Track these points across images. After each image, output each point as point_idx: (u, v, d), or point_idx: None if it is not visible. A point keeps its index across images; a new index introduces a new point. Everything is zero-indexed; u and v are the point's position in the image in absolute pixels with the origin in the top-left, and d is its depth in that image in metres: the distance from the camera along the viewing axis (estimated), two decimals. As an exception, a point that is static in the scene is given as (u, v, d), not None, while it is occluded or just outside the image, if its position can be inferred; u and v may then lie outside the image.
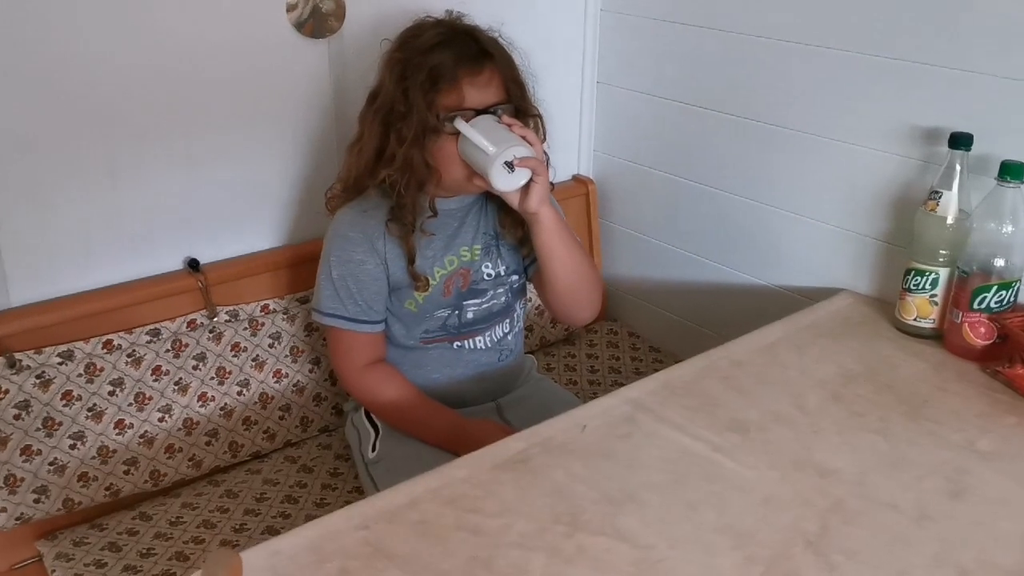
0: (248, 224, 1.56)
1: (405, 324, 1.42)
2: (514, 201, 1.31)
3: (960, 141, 1.33)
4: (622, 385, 1.80)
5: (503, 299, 1.46)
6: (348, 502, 1.43)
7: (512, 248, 1.45)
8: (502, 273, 1.45)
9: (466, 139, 1.26)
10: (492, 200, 1.42)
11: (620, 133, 1.93)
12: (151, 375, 1.42)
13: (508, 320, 1.49)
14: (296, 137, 1.57)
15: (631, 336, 1.96)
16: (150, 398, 1.42)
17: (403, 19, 1.36)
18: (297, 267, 1.57)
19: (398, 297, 1.40)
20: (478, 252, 1.42)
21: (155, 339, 1.43)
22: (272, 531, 1.37)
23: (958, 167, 1.33)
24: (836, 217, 1.58)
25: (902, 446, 1.15)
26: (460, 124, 1.26)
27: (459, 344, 1.45)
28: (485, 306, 1.44)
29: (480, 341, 1.46)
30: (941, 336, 1.40)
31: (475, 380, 1.47)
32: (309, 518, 1.39)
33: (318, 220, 1.57)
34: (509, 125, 1.27)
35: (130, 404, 1.40)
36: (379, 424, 1.45)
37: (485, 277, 1.43)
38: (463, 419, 1.42)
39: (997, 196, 1.30)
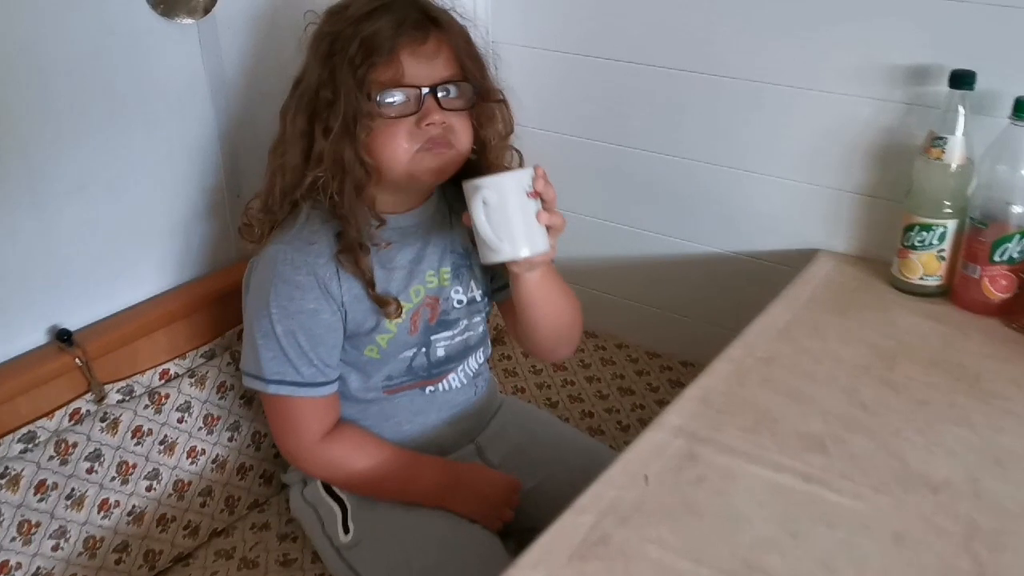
0: (124, 268, 1.20)
1: (364, 373, 1.14)
2: None
3: (962, 80, 1.20)
4: (572, 384, 1.63)
5: (480, 328, 1.21)
6: (319, 599, 1.16)
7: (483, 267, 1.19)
8: (476, 299, 1.19)
9: (477, 195, 0.99)
10: (457, 208, 1.14)
11: (527, 99, 1.66)
12: (34, 495, 1.05)
13: (482, 348, 1.24)
14: (169, 147, 1.21)
15: (563, 324, 1.75)
16: (37, 524, 1.05)
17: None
18: (197, 313, 1.24)
19: (355, 344, 1.11)
20: (447, 276, 1.15)
21: (32, 446, 1.06)
22: (239, 664, 1.07)
23: (961, 109, 1.21)
24: (803, 172, 1.42)
25: (990, 435, 1.02)
26: (477, 198, 0.99)
27: (431, 389, 1.18)
28: (458, 339, 1.18)
29: (454, 380, 1.20)
30: (946, 292, 1.29)
31: (452, 423, 1.21)
32: (277, 632, 1.11)
33: (212, 247, 1.25)
34: (539, 194, 1.02)
35: (12, 539, 1.03)
36: (344, 497, 1.16)
37: (455, 305, 1.17)
38: (450, 465, 1.17)
39: (1011, 137, 1.18)
